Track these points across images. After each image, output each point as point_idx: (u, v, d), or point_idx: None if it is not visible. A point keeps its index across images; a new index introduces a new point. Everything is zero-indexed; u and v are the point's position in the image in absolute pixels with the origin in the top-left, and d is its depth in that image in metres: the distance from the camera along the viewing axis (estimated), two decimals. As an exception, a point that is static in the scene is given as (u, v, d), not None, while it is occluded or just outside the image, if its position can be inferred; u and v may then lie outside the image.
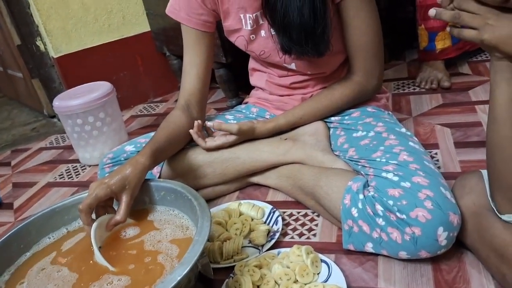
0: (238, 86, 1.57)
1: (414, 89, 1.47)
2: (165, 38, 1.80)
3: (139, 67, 1.95)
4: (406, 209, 0.70)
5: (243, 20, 1.01)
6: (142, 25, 1.91)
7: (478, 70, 1.50)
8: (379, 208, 0.73)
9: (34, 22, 1.77)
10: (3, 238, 0.76)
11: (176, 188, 0.81)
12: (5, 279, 0.73)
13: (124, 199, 0.77)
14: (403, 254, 0.72)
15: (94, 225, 0.75)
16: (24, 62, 1.96)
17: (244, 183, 1.09)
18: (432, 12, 0.61)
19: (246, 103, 1.23)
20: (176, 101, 1.91)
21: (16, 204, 1.29)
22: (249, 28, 1.01)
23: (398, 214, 0.70)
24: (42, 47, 1.84)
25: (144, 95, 2.01)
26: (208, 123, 1.02)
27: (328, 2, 0.90)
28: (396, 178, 0.75)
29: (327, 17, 0.89)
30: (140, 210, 0.84)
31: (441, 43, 1.45)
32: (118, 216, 0.76)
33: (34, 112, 2.30)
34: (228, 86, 1.52)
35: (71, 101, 1.33)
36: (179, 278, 0.58)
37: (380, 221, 0.73)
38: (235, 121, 1.14)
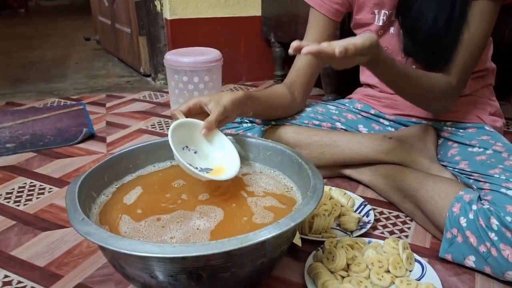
0: (340, 83, 1.56)
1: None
2: (276, 24, 1.83)
3: (241, 48, 2.00)
4: (526, 228, 0.66)
5: (377, 16, 1.01)
6: (255, 8, 1.95)
7: None
8: (494, 222, 0.69)
9: (158, -18, 1.87)
10: (118, 153, 0.80)
11: (285, 150, 0.81)
12: (112, 191, 0.76)
13: (217, 108, 0.78)
14: (510, 275, 0.68)
15: (176, 122, 0.74)
16: (137, 19, 2.06)
17: (336, 173, 1.08)
18: None
19: (350, 98, 1.22)
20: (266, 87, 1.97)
21: (109, 139, 1.35)
22: (380, 24, 1.01)
23: (516, 231, 0.67)
24: (158, 7, 1.93)
25: (237, 76, 2.05)
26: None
27: (466, 16, 0.86)
28: (518, 196, 0.71)
29: (459, 30, 0.87)
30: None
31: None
32: (209, 117, 0.76)
33: (129, 68, 2.41)
34: (331, 80, 1.52)
35: (183, 58, 1.38)
36: (293, 224, 0.57)
37: (493, 235, 0.69)
38: (337, 112, 1.14)
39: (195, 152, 0.78)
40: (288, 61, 1.92)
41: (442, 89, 0.89)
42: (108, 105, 1.72)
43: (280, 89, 1.05)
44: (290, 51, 0.66)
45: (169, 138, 0.71)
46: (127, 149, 0.82)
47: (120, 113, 1.61)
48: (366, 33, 0.73)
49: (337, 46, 0.63)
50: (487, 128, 0.98)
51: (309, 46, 0.64)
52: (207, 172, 0.74)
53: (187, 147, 0.77)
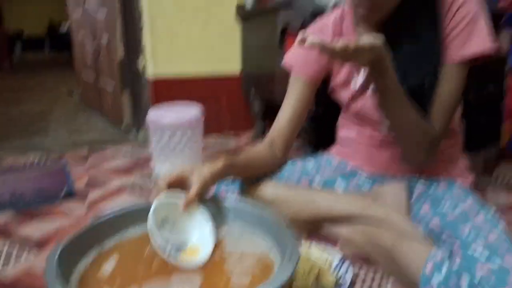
0: (318, 140, 1.60)
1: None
2: (255, 80, 1.90)
3: (222, 101, 2.06)
4: (495, 287, 0.68)
5: (355, 76, 1.06)
6: (234, 65, 2.03)
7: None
8: (463, 283, 0.72)
9: (141, 42, 1.94)
10: (99, 221, 0.79)
11: (263, 212, 0.83)
12: (93, 256, 0.76)
13: (197, 182, 0.81)
14: (483, 334, 0.70)
15: (156, 203, 0.76)
16: (120, 76, 2.12)
17: (314, 228, 1.09)
18: None
19: (328, 153, 1.26)
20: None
21: (90, 198, 1.35)
22: (360, 81, 1.06)
23: (485, 290, 0.69)
24: (141, 66, 1.99)
25: (220, 127, 2.11)
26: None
27: (440, 74, 0.93)
28: (485, 254, 0.74)
29: (432, 90, 0.92)
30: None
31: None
32: (190, 193, 0.79)
33: (111, 123, 2.44)
34: (308, 136, 1.57)
35: (165, 115, 1.42)
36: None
37: (464, 293, 0.71)
38: (314, 168, 1.18)
39: (173, 226, 0.80)
40: (267, 114, 1.98)
41: (429, 134, 0.93)
42: (89, 161, 1.73)
43: (260, 149, 1.08)
44: (296, 43, 0.73)
45: (149, 219, 0.74)
46: (108, 216, 0.82)
47: (102, 170, 1.62)
48: (374, 34, 0.78)
49: (339, 42, 0.71)
50: (457, 185, 1.02)
51: (313, 38, 0.71)
52: (179, 251, 0.76)
53: (166, 221, 0.79)
